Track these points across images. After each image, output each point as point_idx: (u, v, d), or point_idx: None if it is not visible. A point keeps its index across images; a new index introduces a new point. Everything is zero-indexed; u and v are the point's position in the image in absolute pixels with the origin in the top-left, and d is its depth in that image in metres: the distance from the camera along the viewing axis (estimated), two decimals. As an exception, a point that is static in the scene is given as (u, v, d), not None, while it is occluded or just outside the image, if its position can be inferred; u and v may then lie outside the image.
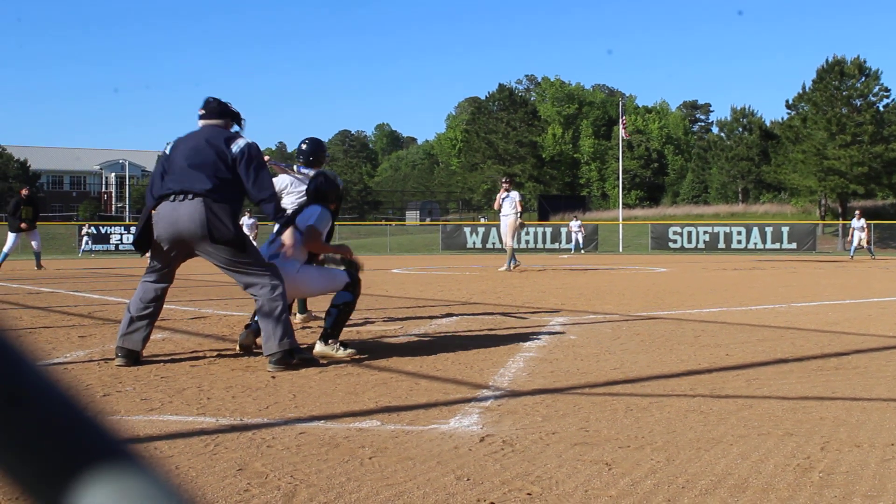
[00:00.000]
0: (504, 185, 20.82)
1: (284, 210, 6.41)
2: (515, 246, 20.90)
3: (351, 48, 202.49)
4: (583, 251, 42.69)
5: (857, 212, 36.98)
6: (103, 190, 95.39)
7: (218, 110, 6.25)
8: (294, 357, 5.94)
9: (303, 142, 8.71)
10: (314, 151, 8.60)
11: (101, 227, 44.42)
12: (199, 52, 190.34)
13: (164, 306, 6.31)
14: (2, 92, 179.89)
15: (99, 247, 41.92)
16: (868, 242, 35.03)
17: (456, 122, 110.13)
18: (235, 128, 6.34)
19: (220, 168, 5.94)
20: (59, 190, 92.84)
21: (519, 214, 20.29)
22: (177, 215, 5.85)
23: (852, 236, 35.56)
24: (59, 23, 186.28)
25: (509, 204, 20.30)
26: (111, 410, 4.54)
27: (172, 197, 5.88)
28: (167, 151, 6.18)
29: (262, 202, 6.04)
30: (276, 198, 6.14)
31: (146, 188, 6.35)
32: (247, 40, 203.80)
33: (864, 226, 34.90)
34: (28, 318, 9.40)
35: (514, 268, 20.40)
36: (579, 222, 44.85)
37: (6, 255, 21.80)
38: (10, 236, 21.64)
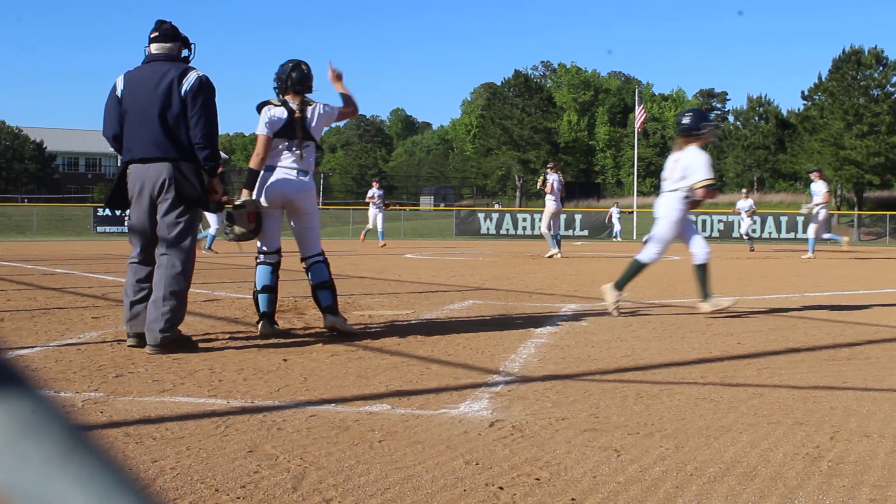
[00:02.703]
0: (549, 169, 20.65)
1: (218, 161, 6.03)
2: (551, 233, 20.24)
3: (366, 33, 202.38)
4: (618, 238, 42.57)
5: (743, 190, 29.77)
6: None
7: (173, 33, 6.09)
8: (177, 343, 5.90)
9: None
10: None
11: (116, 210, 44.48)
12: (210, 37, 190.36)
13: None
14: (18, 74, 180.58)
15: (113, 229, 42.03)
16: (751, 230, 27.56)
17: (471, 108, 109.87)
18: (185, 52, 6.17)
19: (180, 125, 5.87)
20: (74, 171, 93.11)
21: (557, 200, 19.97)
22: (147, 175, 5.89)
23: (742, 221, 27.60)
24: (74, 6, 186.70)
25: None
26: (124, 391, 4.57)
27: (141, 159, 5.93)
28: (119, 93, 6.00)
29: (196, 146, 5.89)
30: (212, 145, 5.92)
31: (104, 128, 6.17)
32: (260, 25, 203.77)
33: (753, 208, 27.51)
34: (42, 298, 9.45)
35: (551, 255, 19.93)
36: (619, 209, 44.67)
37: (213, 237, 21.33)
38: (211, 217, 20.65)
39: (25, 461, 0.52)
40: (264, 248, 6.72)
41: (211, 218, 20.75)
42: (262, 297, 6.60)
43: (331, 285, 6.68)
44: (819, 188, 21.00)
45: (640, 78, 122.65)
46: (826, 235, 22.44)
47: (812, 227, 21.28)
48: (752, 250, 26.81)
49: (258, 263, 6.70)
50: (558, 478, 3.09)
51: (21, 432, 0.52)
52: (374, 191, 27.92)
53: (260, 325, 6.63)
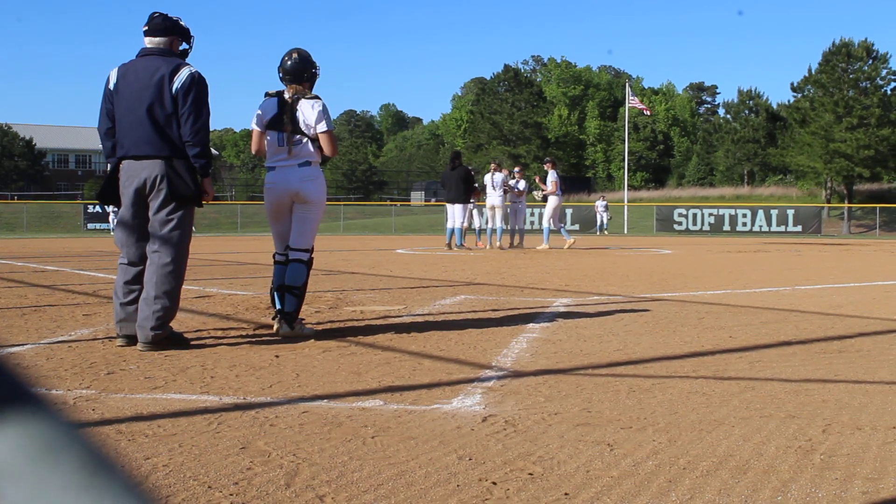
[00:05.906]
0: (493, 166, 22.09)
1: (209, 160, 5.96)
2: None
3: (356, 28, 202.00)
4: (606, 232, 42.74)
5: (516, 170, 23.53)
6: (108, 168, 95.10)
7: (164, 27, 5.97)
8: (169, 340, 5.85)
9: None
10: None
11: (104, 206, 44.34)
12: (202, 33, 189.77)
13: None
14: (7, 70, 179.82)
15: (104, 225, 41.91)
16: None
17: (461, 103, 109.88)
18: (184, 46, 6.10)
19: (172, 122, 5.81)
20: (64, 168, 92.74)
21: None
22: (138, 172, 5.85)
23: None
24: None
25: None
26: (115, 388, 4.56)
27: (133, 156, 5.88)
28: (111, 86, 5.94)
29: (186, 143, 5.82)
30: (203, 143, 5.85)
31: (98, 122, 6.12)
32: (250, 20, 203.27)
33: (523, 189, 22.63)
34: (33, 296, 9.42)
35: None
36: (605, 203, 44.90)
37: (461, 232, 21.16)
38: (454, 210, 20.50)
39: (42, 488, 0.51)
40: (280, 248, 6.69)
41: (454, 210, 20.72)
42: (276, 295, 6.55)
43: (300, 293, 6.44)
44: (549, 178, 21.32)
45: (631, 72, 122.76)
46: (555, 226, 22.16)
47: (545, 217, 22.02)
48: (503, 247, 22.28)
49: (275, 262, 6.69)
50: (551, 472, 3.09)
51: (38, 457, 0.51)
52: (508, 177, 22.05)
53: (275, 321, 6.58)
